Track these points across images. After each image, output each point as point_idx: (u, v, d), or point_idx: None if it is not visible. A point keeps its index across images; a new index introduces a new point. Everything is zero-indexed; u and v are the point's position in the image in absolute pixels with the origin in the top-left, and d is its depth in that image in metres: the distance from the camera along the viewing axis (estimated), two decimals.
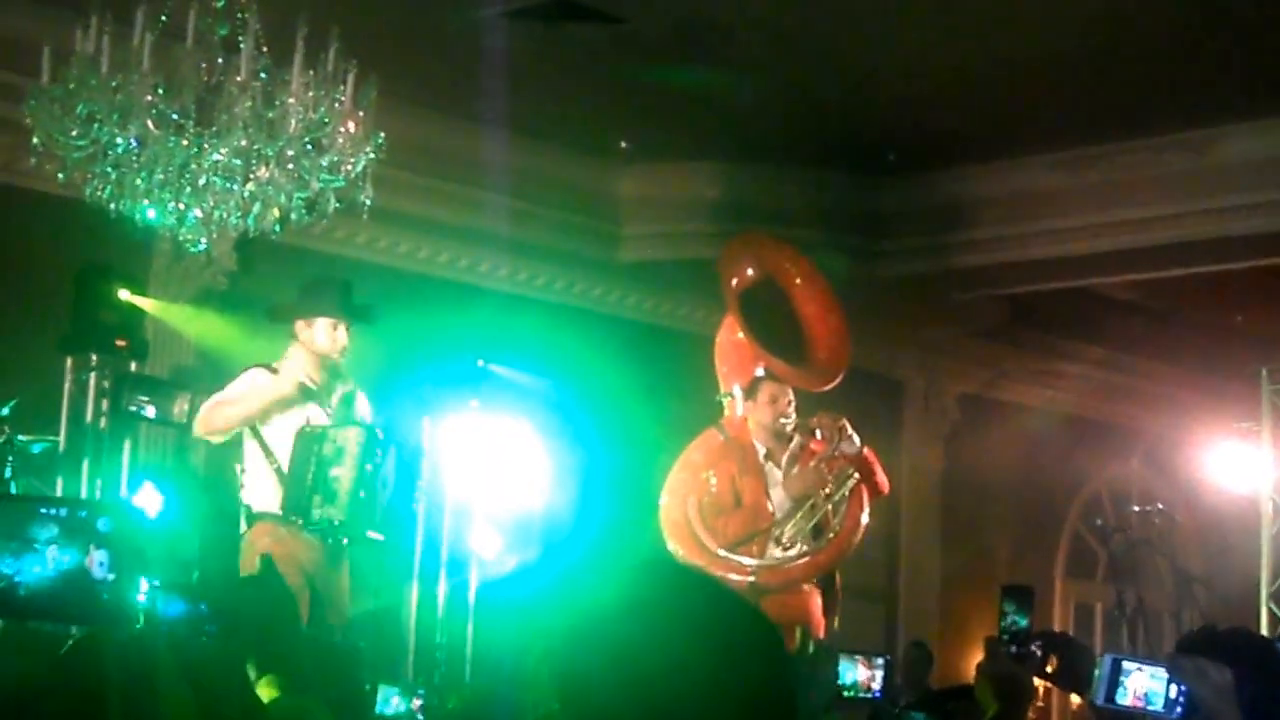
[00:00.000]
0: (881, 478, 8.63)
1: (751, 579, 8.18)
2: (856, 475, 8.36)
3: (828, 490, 8.34)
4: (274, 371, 7.92)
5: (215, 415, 7.93)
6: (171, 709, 2.20)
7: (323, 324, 7.94)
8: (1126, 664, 3.82)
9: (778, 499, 8.48)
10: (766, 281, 8.90)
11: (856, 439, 8.46)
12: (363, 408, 8.17)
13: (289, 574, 7.19)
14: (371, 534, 7.85)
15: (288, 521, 7.72)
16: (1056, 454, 16.23)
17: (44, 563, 2.66)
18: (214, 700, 2.22)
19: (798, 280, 8.89)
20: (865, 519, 8.45)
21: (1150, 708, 3.72)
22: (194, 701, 2.18)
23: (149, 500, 9.43)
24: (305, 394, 7.85)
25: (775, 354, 8.75)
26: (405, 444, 8.29)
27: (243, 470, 7.96)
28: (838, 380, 8.73)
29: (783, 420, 8.55)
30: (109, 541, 2.80)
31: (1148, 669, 3.74)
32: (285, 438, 7.81)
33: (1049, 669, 4.15)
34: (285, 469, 7.80)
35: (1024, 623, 4.25)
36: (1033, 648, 4.22)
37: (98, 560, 2.76)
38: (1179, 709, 3.65)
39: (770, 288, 8.88)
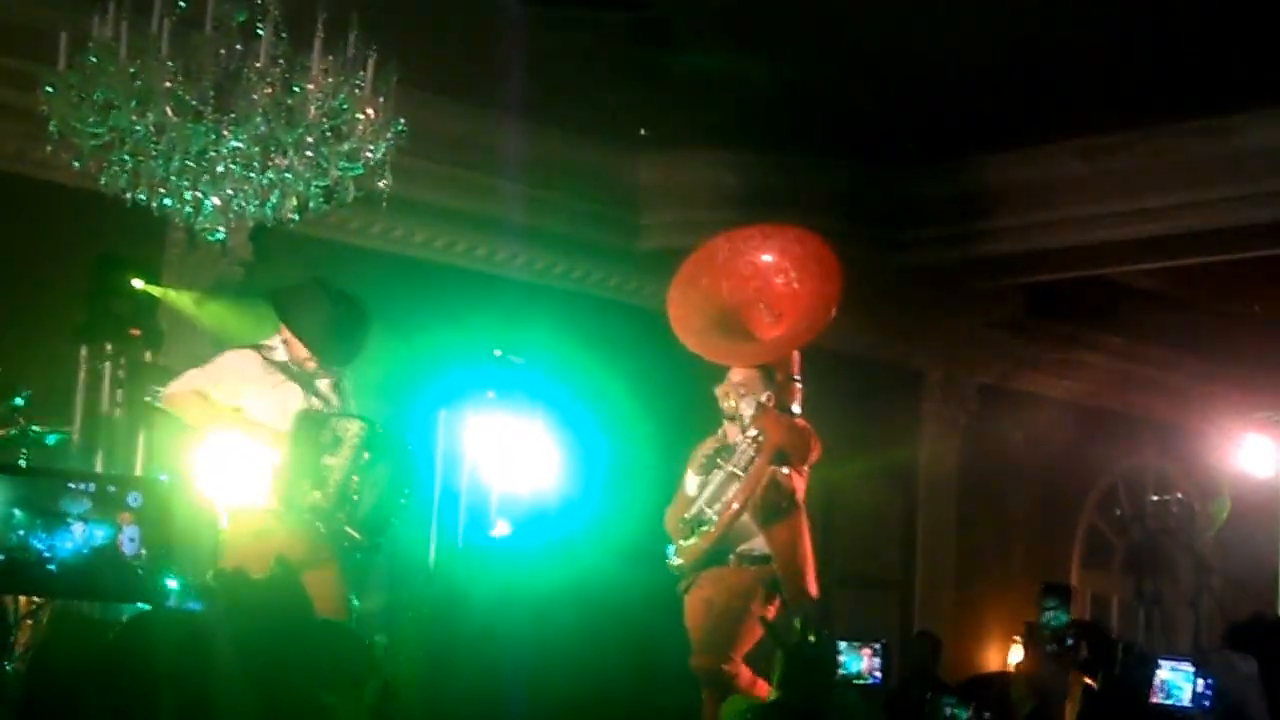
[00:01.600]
0: (800, 447, 8.06)
1: (674, 567, 7.95)
2: (752, 450, 7.95)
3: (730, 468, 7.99)
4: (258, 350, 7.62)
5: (191, 396, 7.54)
6: (225, 692, 2.15)
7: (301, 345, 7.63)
8: (1154, 660, 3.77)
9: (691, 483, 8.13)
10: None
11: (748, 409, 8.02)
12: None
13: (264, 562, 7.02)
14: (349, 530, 7.42)
15: (267, 512, 7.37)
16: (1074, 444, 16.16)
17: (75, 538, 2.59)
18: (270, 687, 2.16)
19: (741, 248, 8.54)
20: (764, 491, 7.92)
21: (1176, 703, 3.67)
22: (250, 686, 2.12)
23: None
24: (289, 376, 7.57)
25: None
26: (407, 446, 7.90)
27: (215, 463, 7.63)
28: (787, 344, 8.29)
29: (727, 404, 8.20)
30: (140, 517, 2.74)
31: (1172, 664, 3.69)
32: (270, 421, 7.47)
33: (1082, 655, 4.10)
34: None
35: (1064, 620, 4.17)
36: (1068, 641, 4.16)
37: (128, 536, 2.69)
38: (1206, 702, 3.60)
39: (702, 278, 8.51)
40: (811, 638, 4.60)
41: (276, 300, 7.77)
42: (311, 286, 7.79)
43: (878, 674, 7.28)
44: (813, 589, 8.14)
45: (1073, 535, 17.02)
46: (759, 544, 7.93)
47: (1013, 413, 15.91)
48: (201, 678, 2.11)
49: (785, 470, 7.83)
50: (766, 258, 8.37)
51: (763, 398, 7.97)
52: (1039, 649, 4.04)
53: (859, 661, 8.13)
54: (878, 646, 6.57)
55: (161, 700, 2.15)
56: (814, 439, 8.01)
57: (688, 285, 8.28)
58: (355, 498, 7.42)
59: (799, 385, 8.18)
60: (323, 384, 7.69)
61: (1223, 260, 12.79)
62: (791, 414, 8.04)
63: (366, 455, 7.43)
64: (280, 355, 7.62)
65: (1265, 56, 10.49)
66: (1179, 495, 14.60)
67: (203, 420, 7.56)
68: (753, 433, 7.89)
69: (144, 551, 2.45)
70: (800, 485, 8.01)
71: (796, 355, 8.21)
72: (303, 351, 7.59)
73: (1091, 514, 17.04)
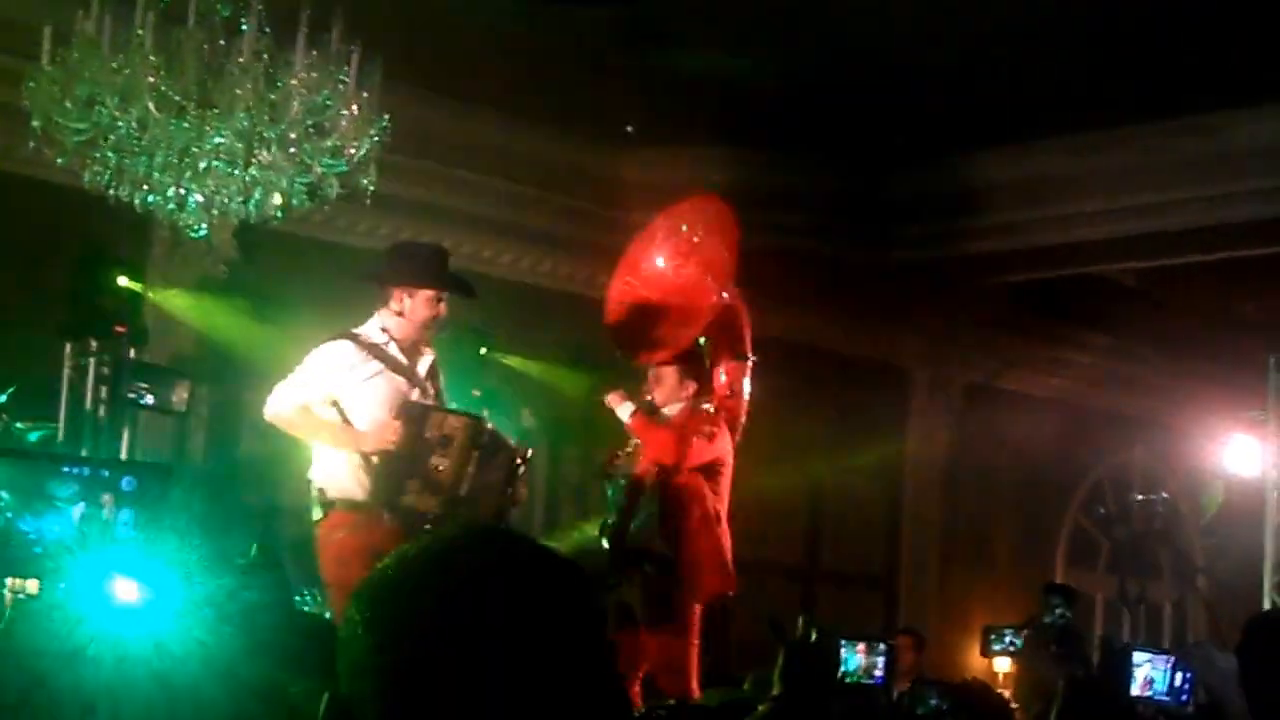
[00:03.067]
0: (672, 454, 8.16)
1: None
2: (628, 463, 8.08)
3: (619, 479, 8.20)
4: (353, 339, 7.30)
5: (294, 413, 7.25)
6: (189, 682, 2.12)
7: (425, 296, 7.32)
8: (1135, 654, 3.77)
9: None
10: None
11: (625, 413, 8.10)
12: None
13: (361, 559, 6.69)
14: None
15: (367, 508, 7.11)
16: (1060, 443, 16.16)
17: (66, 521, 2.58)
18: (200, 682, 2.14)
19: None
20: None
21: (1155, 697, 3.67)
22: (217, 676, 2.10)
23: None
24: (388, 364, 7.29)
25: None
26: (511, 445, 7.51)
27: (318, 453, 7.31)
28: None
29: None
30: (134, 501, 2.71)
31: (1151, 657, 3.69)
32: (369, 415, 7.19)
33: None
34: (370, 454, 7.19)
35: (1067, 621, 4.17)
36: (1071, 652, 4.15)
37: (121, 519, 2.67)
38: (1184, 696, 3.60)
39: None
40: (813, 635, 4.60)
41: (382, 277, 7.48)
42: (399, 246, 7.75)
43: (879, 673, 7.27)
44: (717, 587, 8.19)
45: (1058, 534, 17.03)
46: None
47: (999, 411, 15.91)
48: (166, 668, 2.08)
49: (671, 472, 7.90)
50: (687, 232, 8.43)
51: (685, 390, 8.03)
52: (1042, 649, 4.00)
53: (858, 660, 8.09)
54: (881, 646, 6.57)
55: (128, 686, 2.12)
56: (697, 442, 7.99)
57: (630, 272, 8.28)
58: (465, 497, 7.14)
59: (750, 362, 8.23)
60: (423, 368, 7.41)
61: (1209, 259, 12.79)
62: (705, 411, 8.05)
63: (475, 454, 7.18)
64: (379, 336, 7.33)
65: (1251, 55, 10.49)
66: (1164, 494, 14.64)
67: (308, 436, 7.31)
68: (635, 441, 7.97)
69: (136, 534, 2.45)
70: (707, 486, 8.05)
71: (748, 331, 8.22)
72: (421, 312, 7.32)
73: (1077, 513, 17.05)
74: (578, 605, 1.86)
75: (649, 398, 8.00)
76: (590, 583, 1.89)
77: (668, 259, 8.27)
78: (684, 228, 8.31)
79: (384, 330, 7.34)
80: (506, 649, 1.77)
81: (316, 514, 7.25)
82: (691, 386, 8.03)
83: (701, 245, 8.28)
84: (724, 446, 8.14)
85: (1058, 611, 3.68)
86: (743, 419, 8.31)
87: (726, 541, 8.21)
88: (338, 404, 7.24)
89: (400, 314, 7.31)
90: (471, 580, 1.81)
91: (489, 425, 7.40)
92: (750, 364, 8.22)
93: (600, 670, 1.85)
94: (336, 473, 7.22)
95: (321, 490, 7.24)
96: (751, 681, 5.68)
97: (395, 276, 7.40)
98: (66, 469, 2.54)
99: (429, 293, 7.33)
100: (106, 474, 2.60)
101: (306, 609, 7.84)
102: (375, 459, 7.12)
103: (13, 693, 2.00)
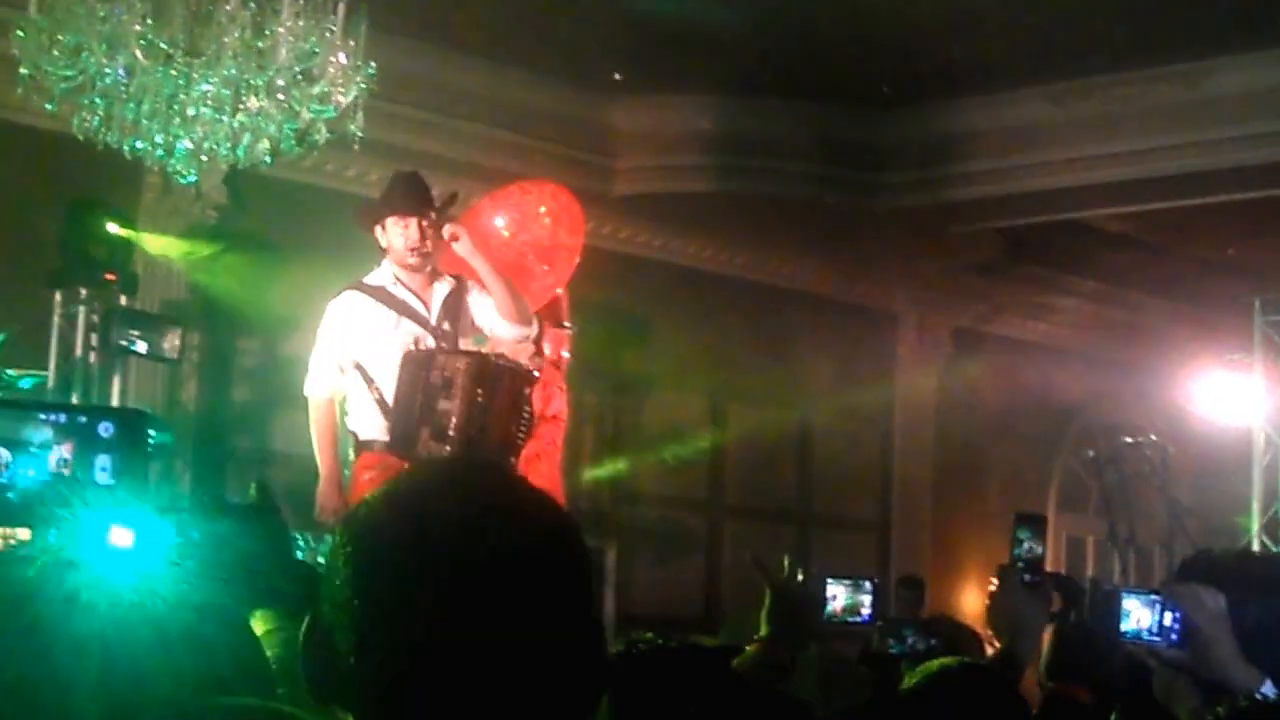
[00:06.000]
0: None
1: None
2: None
3: None
4: (359, 289, 7.47)
5: (317, 379, 7.48)
6: (122, 635, 2.13)
7: (391, 224, 7.44)
8: (1121, 593, 3.81)
9: None
10: None
11: None
12: (477, 308, 7.58)
13: None
14: None
15: (394, 450, 7.22)
16: (1050, 387, 16.23)
17: (40, 466, 2.59)
18: (195, 626, 2.16)
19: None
20: None
21: (1145, 637, 3.70)
22: (156, 627, 2.11)
23: None
24: (400, 310, 7.41)
25: None
26: (521, 376, 7.59)
27: (345, 398, 7.49)
28: None
29: None
30: (112, 447, 2.72)
31: (1138, 597, 3.72)
32: (386, 363, 7.32)
33: (1055, 608, 4.13)
34: (386, 397, 7.32)
35: (1039, 550, 4.21)
36: (1043, 580, 4.19)
37: (99, 465, 2.67)
38: (1173, 635, 3.64)
39: None
40: (800, 575, 4.65)
41: (360, 217, 7.65)
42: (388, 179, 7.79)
43: (866, 611, 7.30)
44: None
45: (1049, 477, 17.12)
46: None
47: (988, 355, 15.99)
48: (127, 618, 2.10)
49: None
50: (539, 209, 8.57)
51: (524, 351, 8.13)
52: (1011, 578, 4.06)
53: (845, 599, 8.15)
54: (866, 584, 6.61)
55: (121, 631, 2.15)
56: (557, 393, 8.52)
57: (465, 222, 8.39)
58: (483, 438, 7.19)
59: (568, 331, 8.47)
60: (437, 301, 7.50)
61: (1195, 204, 12.82)
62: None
63: (478, 391, 7.20)
64: (382, 278, 7.46)
65: (1236, 2, 10.51)
66: (1152, 437, 14.69)
67: (314, 434, 7.50)
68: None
69: (114, 481, 2.47)
70: (553, 430, 8.46)
71: (565, 303, 8.43)
72: (396, 241, 7.41)
73: (1067, 456, 17.13)
74: (562, 552, 1.84)
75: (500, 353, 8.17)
76: (579, 530, 1.88)
77: (505, 223, 8.47)
78: (540, 208, 8.49)
79: (391, 274, 7.47)
80: (483, 593, 1.77)
81: (351, 456, 7.49)
82: (530, 348, 8.17)
83: (544, 228, 8.49)
84: (564, 402, 8.69)
85: (1026, 543, 3.73)
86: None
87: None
88: (361, 367, 7.39)
89: (386, 251, 7.45)
90: (451, 519, 1.80)
91: (491, 357, 7.46)
92: (570, 333, 8.49)
93: (583, 623, 1.84)
94: (365, 417, 7.39)
95: (354, 434, 7.46)
96: (728, 625, 5.75)
97: (363, 216, 7.58)
98: (43, 415, 2.55)
99: (393, 218, 7.44)
100: (84, 419, 2.62)
101: (301, 556, 7.91)
102: (391, 403, 7.25)
103: (5, 641, 2.03)
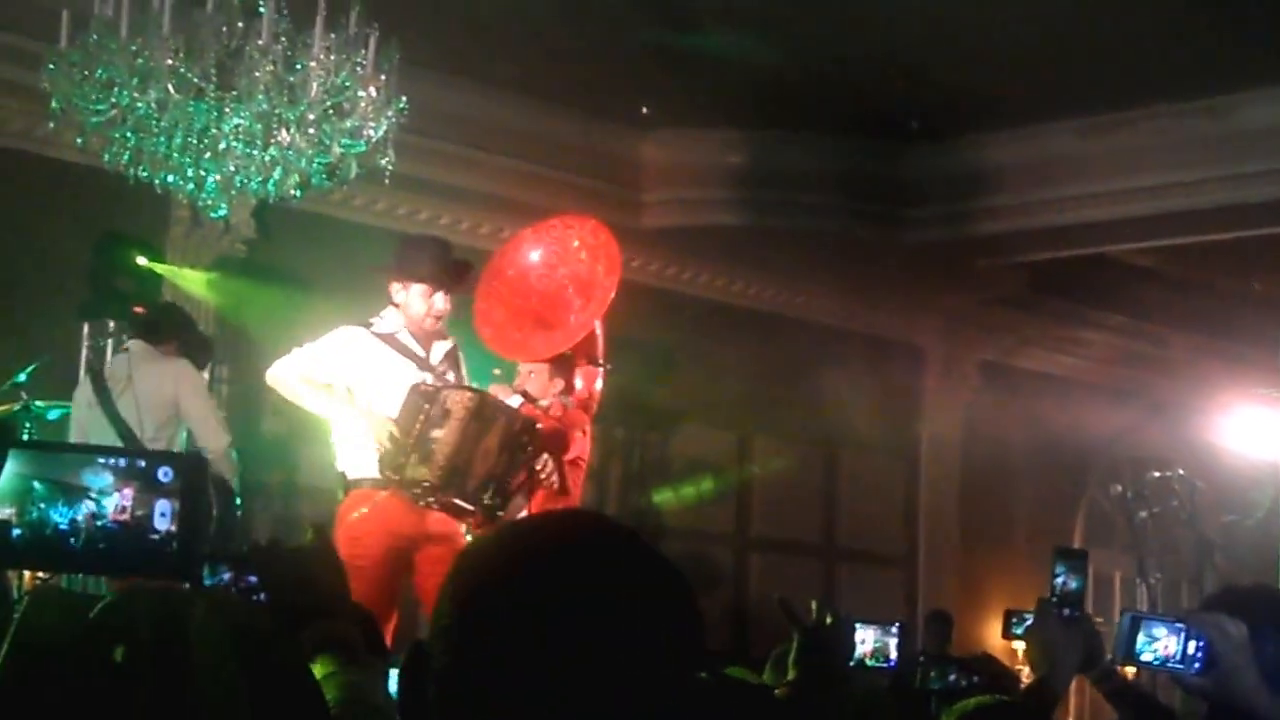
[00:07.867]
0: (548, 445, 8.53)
1: None
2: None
3: None
4: (368, 327, 7.54)
5: (290, 365, 7.48)
6: (207, 676, 2.14)
7: (418, 290, 7.54)
8: (1146, 621, 3.82)
9: None
10: None
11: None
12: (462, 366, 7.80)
13: (373, 537, 7.18)
14: (459, 503, 7.31)
15: (379, 485, 7.31)
16: (1076, 421, 16.19)
17: (98, 513, 2.59)
18: (262, 671, 2.16)
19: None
20: None
21: (1169, 665, 3.71)
22: (235, 670, 2.11)
23: None
24: (401, 351, 7.50)
25: None
26: (515, 416, 7.67)
27: (336, 439, 7.54)
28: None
29: None
30: (171, 493, 2.71)
31: (1163, 626, 3.74)
32: (380, 394, 7.40)
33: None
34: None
35: (1077, 585, 4.19)
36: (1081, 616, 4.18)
37: (159, 511, 2.67)
38: (1197, 664, 3.65)
39: None
40: (828, 618, 4.63)
41: (379, 271, 7.71)
42: (411, 238, 7.95)
43: (894, 656, 7.30)
44: None
45: (1075, 512, 17.07)
46: None
47: (1015, 389, 15.96)
48: (182, 656, 2.10)
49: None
50: (574, 244, 8.58)
51: (554, 387, 8.25)
52: (1049, 614, 4.04)
53: (876, 642, 8.14)
54: (893, 628, 6.59)
55: (139, 679, 2.15)
56: (577, 437, 8.31)
57: (493, 278, 8.39)
58: (467, 470, 7.27)
59: (602, 369, 8.48)
60: (437, 355, 7.60)
61: (1222, 239, 12.81)
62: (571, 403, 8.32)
63: (473, 426, 7.27)
64: (391, 326, 7.54)
65: (1265, 36, 10.50)
66: (1180, 471, 14.64)
67: (299, 401, 7.52)
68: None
69: (174, 527, 2.46)
70: (573, 474, 8.24)
71: (601, 341, 8.45)
72: (416, 306, 7.52)
73: (1094, 491, 17.07)
74: (664, 609, 1.85)
75: (525, 388, 8.20)
76: (689, 589, 1.89)
77: (544, 256, 8.50)
78: (575, 242, 8.52)
79: (399, 323, 7.56)
80: (576, 643, 1.78)
81: (340, 497, 7.50)
82: (560, 384, 8.26)
83: (581, 262, 8.50)
84: (587, 444, 8.53)
85: (1062, 577, 3.72)
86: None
87: None
88: (352, 393, 7.45)
89: (400, 306, 7.51)
90: (548, 565, 1.81)
91: (494, 399, 7.55)
92: (603, 371, 8.52)
93: (684, 681, 1.84)
94: (357, 457, 7.41)
95: (343, 474, 7.50)
96: (772, 663, 5.73)
97: (392, 271, 7.61)
98: (101, 460, 2.55)
99: (421, 287, 7.53)
100: (143, 464, 2.62)
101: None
102: (388, 441, 7.27)
103: (31, 670, 2.04)
